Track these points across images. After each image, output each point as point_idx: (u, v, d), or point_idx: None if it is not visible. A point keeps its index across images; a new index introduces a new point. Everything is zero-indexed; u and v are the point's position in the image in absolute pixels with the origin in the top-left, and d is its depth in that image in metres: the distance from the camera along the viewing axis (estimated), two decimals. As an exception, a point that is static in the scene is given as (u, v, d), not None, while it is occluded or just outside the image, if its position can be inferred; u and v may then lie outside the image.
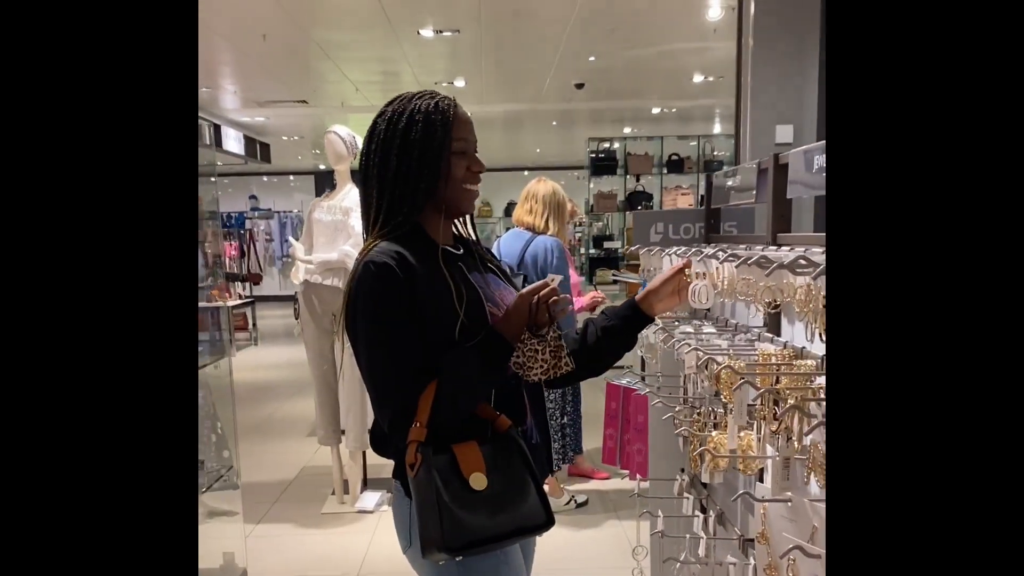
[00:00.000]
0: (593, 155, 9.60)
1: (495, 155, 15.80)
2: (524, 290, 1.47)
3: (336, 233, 4.12)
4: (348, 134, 4.26)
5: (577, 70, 8.00)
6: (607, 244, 9.64)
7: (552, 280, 1.44)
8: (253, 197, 16.62)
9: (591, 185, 9.85)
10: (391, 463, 1.55)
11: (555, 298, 1.45)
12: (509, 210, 15.82)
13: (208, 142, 9.77)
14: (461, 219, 1.62)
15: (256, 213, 16.12)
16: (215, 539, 3.17)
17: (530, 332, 1.45)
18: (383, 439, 1.52)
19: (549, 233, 3.99)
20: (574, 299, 4.24)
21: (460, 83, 8.54)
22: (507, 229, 5.00)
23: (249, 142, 11.20)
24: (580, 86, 8.68)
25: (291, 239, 4.47)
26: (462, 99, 6.54)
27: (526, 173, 16.60)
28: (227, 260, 13.87)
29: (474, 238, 1.66)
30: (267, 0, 5.43)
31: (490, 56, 7.45)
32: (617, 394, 2.69)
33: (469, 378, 1.42)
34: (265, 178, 16.85)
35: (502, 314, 1.49)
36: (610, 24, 6.35)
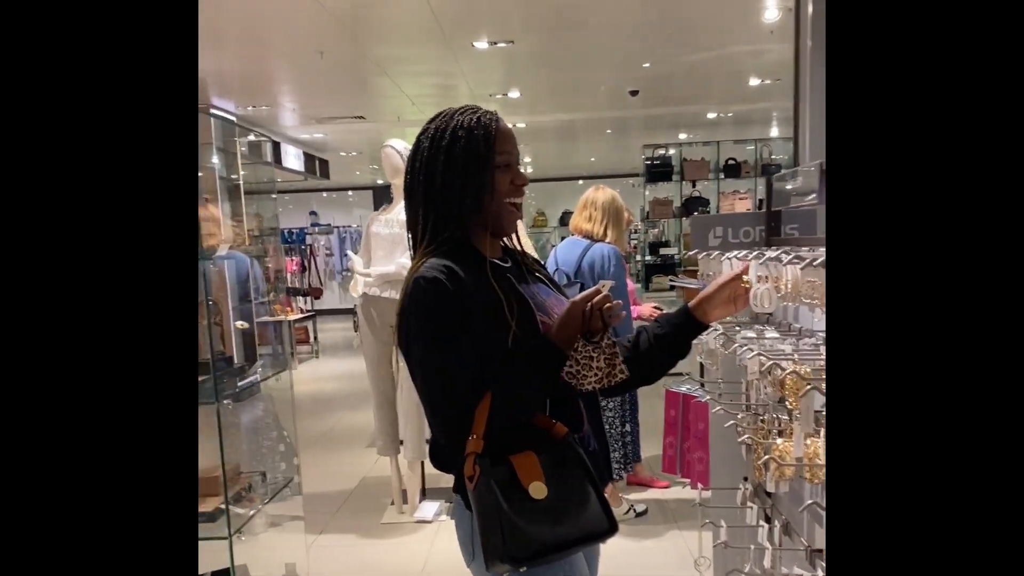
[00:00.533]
0: (648, 162, 9.53)
1: (549, 165, 15.81)
2: (576, 297, 1.45)
3: (394, 246, 4.15)
4: (404, 148, 4.29)
5: (631, 77, 7.95)
6: (663, 251, 9.55)
7: (604, 286, 1.43)
8: (313, 213, 16.89)
9: (646, 192, 9.77)
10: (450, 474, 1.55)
11: (608, 304, 1.42)
12: (564, 219, 15.79)
13: (269, 159, 10.00)
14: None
15: (316, 228, 16.38)
16: (277, 549, 3.20)
17: (584, 340, 1.43)
18: (443, 454, 1.54)
19: (608, 240, 3.96)
20: (631, 307, 4.20)
21: (515, 94, 8.56)
22: (562, 239, 4.98)
23: (308, 159, 11.39)
24: (635, 93, 8.62)
25: (350, 253, 4.52)
26: (516, 110, 6.61)
27: (580, 182, 16.57)
28: (288, 275, 14.10)
29: (520, 250, 1.66)
30: (324, 18, 5.51)
31: (544, 66, 7.45)
32: (676, 401, 2.65)
33: (523, 388, 1.42)
34: (325, 194, 17.11)
35: (554, 323, 1.47)
36: (665, 29, 6.30)
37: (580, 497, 1.43)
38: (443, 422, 1.42)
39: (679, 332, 1.61)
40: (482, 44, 6.44)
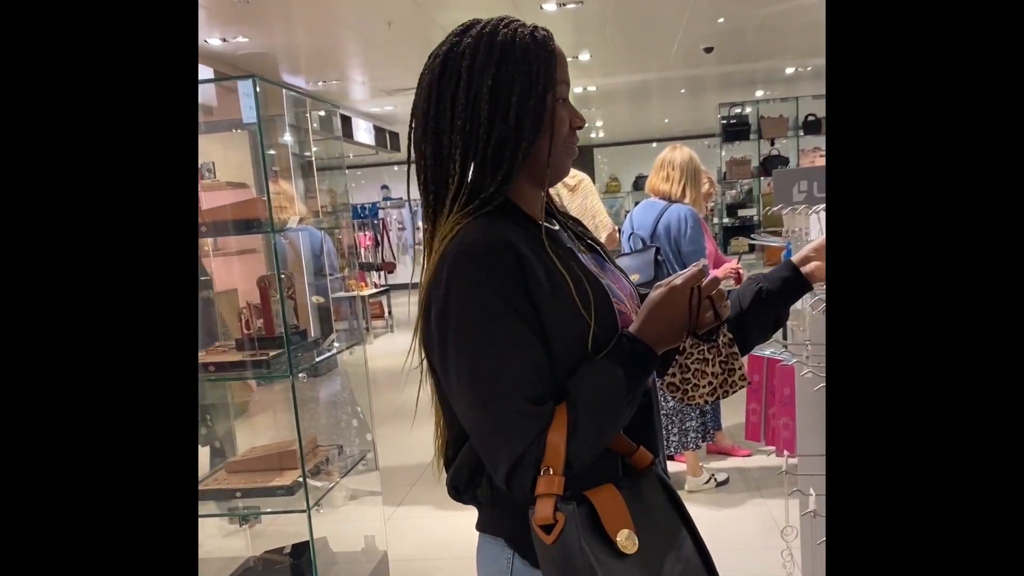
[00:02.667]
0: (724, 121, 9.28)
1: (622, 128, 15.56)
2: (676, 280, 1.08)
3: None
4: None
5: (705, 33, 7.71)
6: (741, 212, 9.31)
7: (703, 264, 1.17)
8: (385, 187, 17.01)
9: (723, 152, 9.53)
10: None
11: (717, 289, 1.08)
12: (638, 184, 15.56)
13: (339, 134, 10.07)
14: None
15: (388, 203, 16.52)
16: (356, 522, 3.23)
17: (694, 338, 1.09)
18: (469, 482, 1.14)
19: (686, 201, 3.85)
20: (710, 270, 4.08)
21: (585, 56, 8.40)
22: (636, 204, 4.86)
23: (379, 132, 11.44)
24: (709, 50, 8.37)
25: (422, 226, 4.50)
26: (587, 73, 6.54)
27: (654, 145, 16.27)
28: (362, 250, 14.27)
29: (559, 208, 1.28)
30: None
31: (614, 26, 7.28)
32: (760, 366, 2.55)
33: (611, 403, 1.04)
34: (396, 167, 17.20)
35: (641, 313, 1.11)
36: (738, -18, 6.08)
37: (676, 549, 1.10)
38: (503, 449, 1.02)
39: (785, 288, 1.29)
40: (551, 6, 6.32)
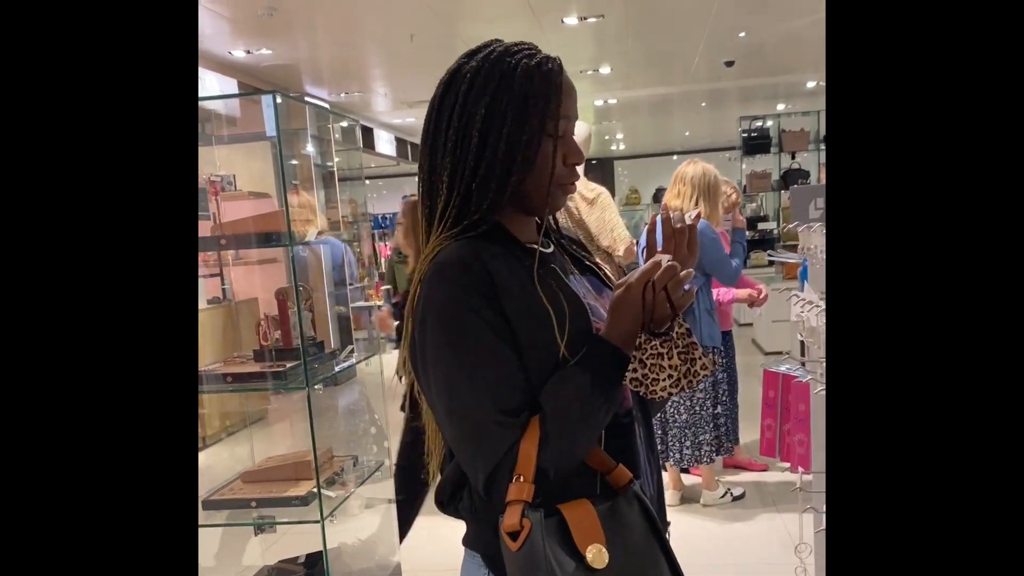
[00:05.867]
0: (745, 134, 9.25)
1: (643, 140, 15.56)
2: (632, 276, 1.07)
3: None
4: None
5: (726, 47, 7.72)
6: (761, 225, 9.28)
7: (664, 259, 1.08)
8: (406, 197, 17.06)
9: (743, 165, 9.50)
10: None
11: (674, 278, 1.05)
12: (658, 196, 15.54)
13: (360, 145, 10.13)
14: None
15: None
16: (371, 532, 3.24)
17: (648, 333, 1.06)
18: (452, 495, 1.16)
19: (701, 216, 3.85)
20: (731, 289, 4.07)
21: (605, 69, 8.43)
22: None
23: (400, 143, 11.51)
24: (730, 64, 8.38)
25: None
26: (608, 85, 6.55)
27: (675, 157, 16.27)
28: (383, 260, 14.32)
29: (557, 228, 1.28)
30: (413, 1, 5.52)
31: (635, 39, 7.30)
32: (775, 382, 2.54)
33: (580, 407, 1.03)
34: (417, 178, 17.24)
35: (607, 315, 1.10)
36: (761, -3, 6.09)
37: (649, 567, 1.08)
38: (480, 458, 1.03)
39: None
40: (571, 20, 6.35)
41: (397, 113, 10.44)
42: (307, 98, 8.11)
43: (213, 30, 5.71)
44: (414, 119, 10.85)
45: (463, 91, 1.10)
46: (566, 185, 1.16)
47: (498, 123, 1.08)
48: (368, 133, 10.24)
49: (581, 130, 4.67)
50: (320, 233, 2.96)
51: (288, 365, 2.29)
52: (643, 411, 1.22)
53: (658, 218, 1.31)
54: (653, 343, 1.05)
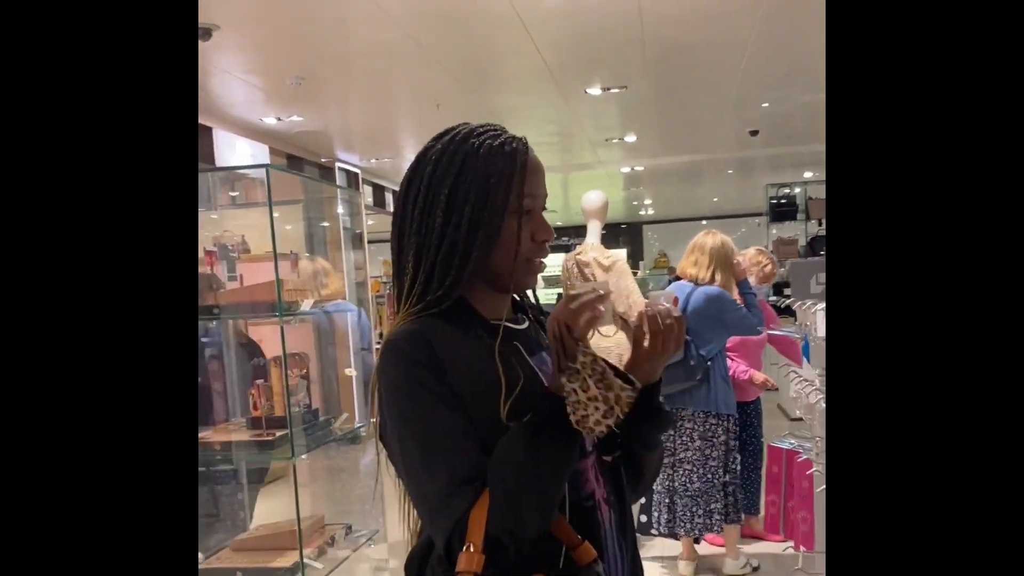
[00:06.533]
0: (773, 201, 9.29)
1: (671, 206, 15.63)
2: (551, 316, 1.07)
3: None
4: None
5: (750, 117, 7.80)
6: (788, 291, 9.23)
7: (595, 290, 1.03)
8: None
9: (772, 231, 9.52)
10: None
11: (587, 314, 1.02)
12: (688, 261, 15.52)
13: (391, 208, 10.30)
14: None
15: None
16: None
17: (559, 371, 1.04)
18: (420, 564, 1.15)
19: (715, 285, 3.87)
20: (748, 369, 4.06)
21: (631, 138, 8.53)
22: (673, 280, 4.88)
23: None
24: (755, 133, 8.44)
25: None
26: (634, 153, 6.59)
27: (704, 223, 16.28)
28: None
29: (537, 304, 1.30)
30: (438, 72, 5.67)
31: (659, 109, 7.41)
32: (779, 457, 2.53)
33: (521, 467, 1.01)
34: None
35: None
36: (781, 69, 6.16)
37: None
38: (435, 527, 1.05)
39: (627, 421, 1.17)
40: (595, 90, 6.47)
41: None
42: (337, 164, 8.28)
43: (245, 98, 5.89)
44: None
45: (428, 173, 1.15)
46: (534, 262, 1.18)
47: (461, 202, 1.12)
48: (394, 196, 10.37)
49: (597, 198, 4.71)
50: (325, 300, 3.00)
51: (278, 434, 2.32)
52: (617, 495, 1.22)
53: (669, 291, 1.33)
54: (562, 378, 1.03)
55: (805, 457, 2.43)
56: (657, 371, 1.16)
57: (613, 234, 16.49)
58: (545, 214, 1.22)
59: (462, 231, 1.12)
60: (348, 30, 4.73)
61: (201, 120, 6.04)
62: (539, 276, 1.24)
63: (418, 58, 5.27)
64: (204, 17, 4.16)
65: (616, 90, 6.49)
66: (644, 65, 5.86)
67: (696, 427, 3.74)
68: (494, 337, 1.13)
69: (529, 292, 1.29)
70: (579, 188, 11.37)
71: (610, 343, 4.77)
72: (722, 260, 3.91)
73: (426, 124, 7.52)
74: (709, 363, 3.73)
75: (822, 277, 2.30)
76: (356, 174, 8.79)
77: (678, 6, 4.60)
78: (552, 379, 1.08)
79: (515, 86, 6.39)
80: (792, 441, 2.49)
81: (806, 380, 2.05)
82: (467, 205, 1.12)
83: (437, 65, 5.50)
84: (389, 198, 10.29)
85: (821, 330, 1.93)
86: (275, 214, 5.63)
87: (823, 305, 1.92)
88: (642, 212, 16.09)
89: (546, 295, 10.07)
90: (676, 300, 1.22)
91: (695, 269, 3.91)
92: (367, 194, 9.43)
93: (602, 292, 1.04)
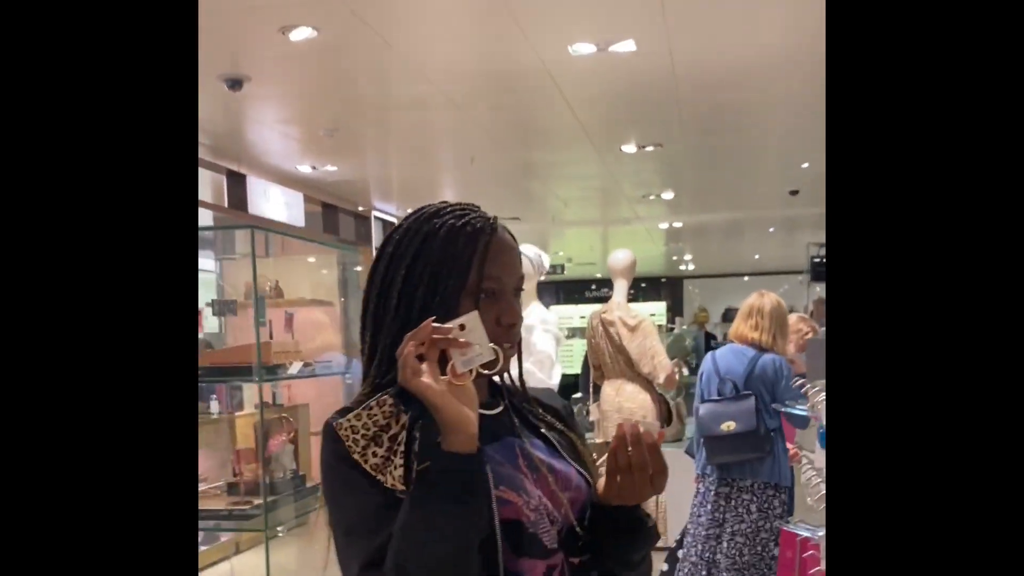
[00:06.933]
0: (815, 260, 9.13)
1: (712, 262, 15.50)
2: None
3: (518, 352, 4.10)
4: (535, 254, 4.29)
5: (790, 177, 7.70)
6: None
7: (460, 327, 0.98)
8: (477, 305, 17.27)
9: (814, 290, 9.35)
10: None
11: (413, 345, 0.97)
12: (728, 316, 15.32)
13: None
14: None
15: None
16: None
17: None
18: None
19: (775, 350, 3.74)
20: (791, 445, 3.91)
21: (668, 195, 8.48)
22: (723, 336, 4.75)
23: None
24: (795, 193, 8.33)
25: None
26: (673, 210, 6.55)
27: (746, 279, 16.09)
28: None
29: (520, 387, 1.21)
30: (472, 126, 5.69)
31: (696, 167, 7.35)
32: (793, 542, 2.40)
33: (406, 529, 0.94)
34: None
35: (522, 497, 1.05)
36: (821, 130, 6.08)
37: None
38: None
39: (600, 532, 1.13)
40: (630, 148, 6.44)
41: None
42: (374, 212, 8.33)
43: (280, 147, 5.96)
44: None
45: (388, 254, 1.11)
46: (501, 346, 1.08)
47: (414, 284, 1.08)
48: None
49: (624, 257, 4.64)
50: (316, 356, 2.95)
51: (255, 502, 2.23)
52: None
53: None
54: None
55: (815, 543, 2.30)
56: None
57: (654, 288, 16.37)
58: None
59: (413, 316, 1.06)
60: (380, 84, 4.77)
61: (235, 168, 6.13)
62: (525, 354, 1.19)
63: (451, 113, 5.30)
64: (236, 68, 4.22)
65: (651, 148, 6.45)
66: (680, 124, 5.81)
67: (754, 499, 3.59)
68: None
69: (512, 375, 1.19)
70: (618, 242, 11.32)
71: (634, 406, 4.69)
72: (779, 323, 3.79)
73: (462, 176, 7.56)
74: (772, 433, 3.60)
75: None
76: (393, 223, 8.83)
77: (713, 66, 4.56)
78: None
79: (549, 142, 6.39)
80: (806, 527, 2.37)
81: (815, 470, 1.94)
82: (420, 288, 1.08)
83: (469, 120, 5.52)
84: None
85: (823, 416, 1.83)
86: (311, 259, 5.69)
87: (821, 394, 1.82)
88: (682, 267, 15.97)
89: (568, 348, 9.94)
90: (662, 435, 1.13)
91: (756, 333, 3.77)
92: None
93: (460, 336, 0.97)
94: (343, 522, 1.03)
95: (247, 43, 3.96)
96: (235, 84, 4.27)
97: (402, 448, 1.03)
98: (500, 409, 1.16)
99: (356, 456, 1.02)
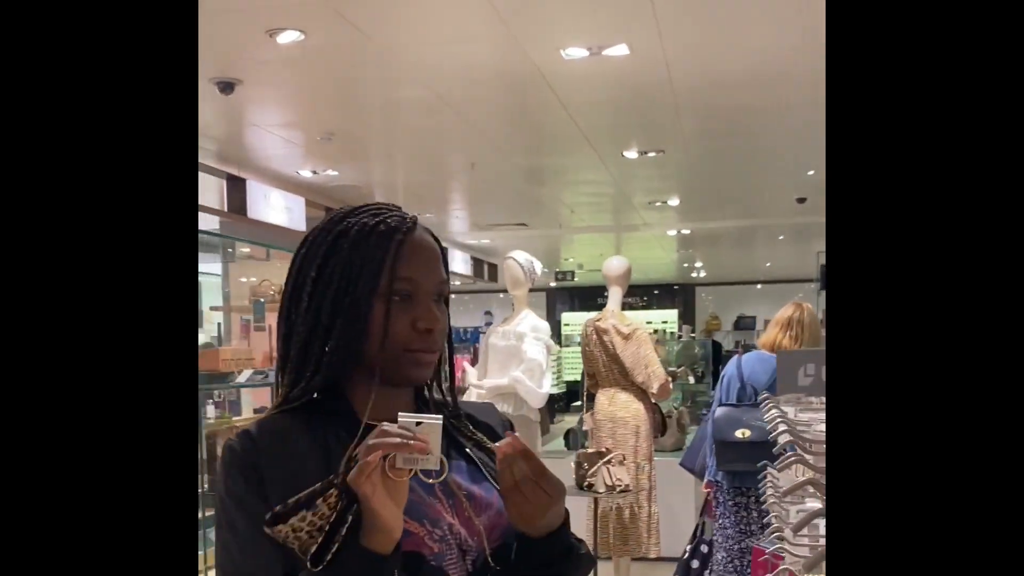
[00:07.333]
0: (824, 268, 9.06)
1: (724, 269, 15.40)
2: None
3: (509, 358, 4.08)
4: (527, 260, 4.25)
5: (796, 184, 7.62)
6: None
7: (414, 429, 0.90)
8: (488, 313, 17.27)
9: (819, 299, 9.27)
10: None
11: (378, 452, 0.88)
12: (739, 324, 15.21)
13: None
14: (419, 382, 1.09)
15: (489, 328, 16.72)
16: None
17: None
18: None
19: None
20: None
21: (674, 201, 8.43)
22: (736, 344, 4.66)
23: (477, 263, 11.72)
24: (802, 200, 8.25)
25: (466, 365, 4.49)
26: (679, 217, 6.47)
27: (759, 287, 15.97)
28: (459, 374, 14.36)
29: (452, 401, 1.14)
30: (471, 131, 5.66)
31: (700, 174, 7.29)
32: (764, 564, 2.34)
33: None
34: (501, 295, 17.50)
35: (425, 527, 0.99)
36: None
37: None
38: None
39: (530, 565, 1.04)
40: (631, 153, 6.39)
41: (473, 234, 10.64)
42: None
43: (280, 151, 5.96)
44: (489, 240, 11.03)
45: (300, 255, 1.06)
46: (417, 352, 1.03)
47: (325, 286, 1.02)
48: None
49: (618, 264, 4.58)
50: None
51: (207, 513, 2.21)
52: None
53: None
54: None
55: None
56: (548, 519, 1.00)
57: (667, 295, 16.30)
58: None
59: (322, 318, 1.02)
60: (372, 88, 4.76)
61: (235, 172, 6.13)
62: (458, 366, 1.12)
63: (449, 117, 5.26)
64: (228, 72, 4.21)
65: (653, 154, 6.40)
66: (680, 129, 5.76)
67: None
68: (358, 438, 0.95)
69: (440, 387, 1.13)
70: (628, 248, 11.28)
71: (627, 415, 4.60)
72: (815, 336, 3.71)
73: (466, 181, 7.54)
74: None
75: (811, 368, 2.13)
76: (397, 228, 8.83)
77: (708, 71, 4.50)
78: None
79: (551, 147, 6.35)
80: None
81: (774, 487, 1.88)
82: (330, 289, 1.01)
83: (467, 125, 5.49)
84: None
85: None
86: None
87: (807, 400, 1.76)
88: (694, 274, 15.88)
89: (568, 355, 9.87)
90: (517, 439, 0.99)
91: (796, 344, 3.68)
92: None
93: (420, 435, 0.89)
94: (219, 551, 0.99)
95: (236, 46, 3.95)
96: (227, 87, 4.26)
97: (309, 484, 0.93)
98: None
99: (242, 484, 0.98)
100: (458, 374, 4.54)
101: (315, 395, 1.05)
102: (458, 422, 1.14)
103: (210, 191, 5.93)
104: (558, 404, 10.09)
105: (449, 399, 1.14)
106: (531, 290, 4.30)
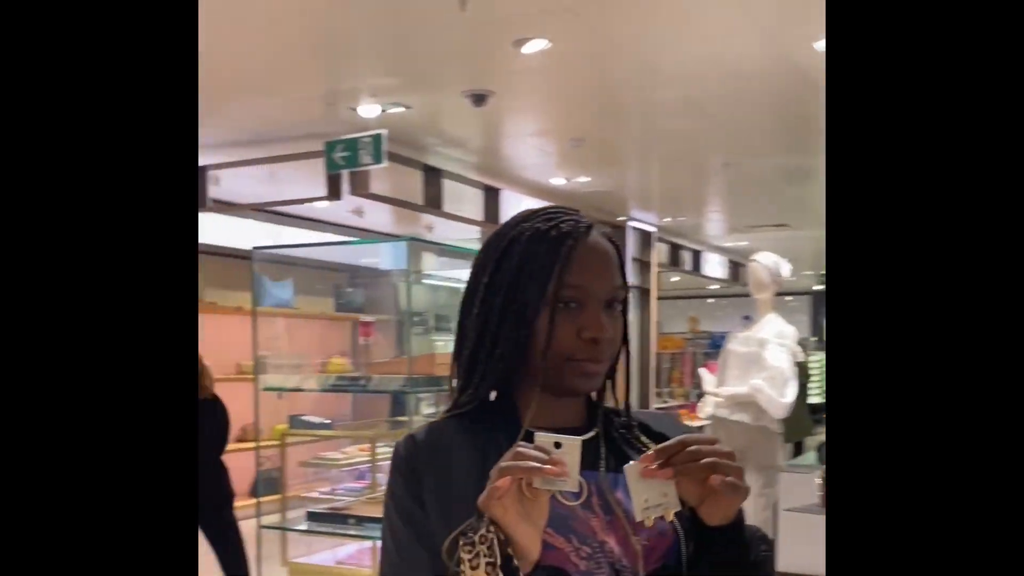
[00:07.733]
0: None
1: None
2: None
3: (749, 365, 3.94)
4: (773, 262, 4.09)
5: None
6: None
7: (551, 449, 0.85)
8: (747, 318, 16.69)
9: None
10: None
11: (508, 478, 0.84)
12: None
13: (688, 267, 10.22)
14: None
15: (729, 334, 16.17)
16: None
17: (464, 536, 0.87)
18: None
19: None
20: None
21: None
22: None
23: (733, 266, 11.41)
24: None
25: (702, 370, 4.38)
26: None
27: None
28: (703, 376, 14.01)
29: (625, 409, 1.10)
30: (726, 132, 5.52)
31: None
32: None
33: None
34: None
35: (571, 543, 0.95)
36: None
37: None
38: None
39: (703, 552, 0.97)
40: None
41: (730, 237, 10.36)
42: (630, 223, 8.32)
43: (534, 160, 6.14)
44: (747, 243, 10.68)
45: (477, 261, 1.06)
46: (582, 362, 0.99)
47: (494, 293, 1.01)
48: (695, 256, 10.43)
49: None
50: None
51: None
52: None
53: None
54: (460, 541, 0.86)
55: None
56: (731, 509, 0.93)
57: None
58: None
59: (491, 324, 1.01)
60: (620, 92, 4.78)
61: (490, 182, 6.42)
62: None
63: (703, 118, 5.17)
64: (480, 84, 4.41)
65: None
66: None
67: None
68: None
69: (618, 395, 1.09)
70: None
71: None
72: None
73: (720, 184, 7.35)
74: None
75: None
76: (651, 233, 8.79)
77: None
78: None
79: (815, 145, 6.01)
80: None
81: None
82: (499, 294, 1.01)
83: (722, 125, 5.36)
84: (686, 257, 10.24)
85: None
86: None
87: None
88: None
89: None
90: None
91: None
92: (662, 253, 9.42)
93: (557, 456, 0.85)
94: (382, 551, 1.04)
95: (485, 58, 4.13)
96: (479, 99, 4.46)
97: (466, 491, 0.92)
98: (590, 435, 1.02)
99: (403, 486, 1.01)
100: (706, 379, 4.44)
101: (486, 400, 1.04)
102: (629, 433, 1.08)
103: (470, 202, 6.27)
104: (816, 415, 9.54)
105: (622, 407, 1.10)
106: (793, 294, 4.13)
